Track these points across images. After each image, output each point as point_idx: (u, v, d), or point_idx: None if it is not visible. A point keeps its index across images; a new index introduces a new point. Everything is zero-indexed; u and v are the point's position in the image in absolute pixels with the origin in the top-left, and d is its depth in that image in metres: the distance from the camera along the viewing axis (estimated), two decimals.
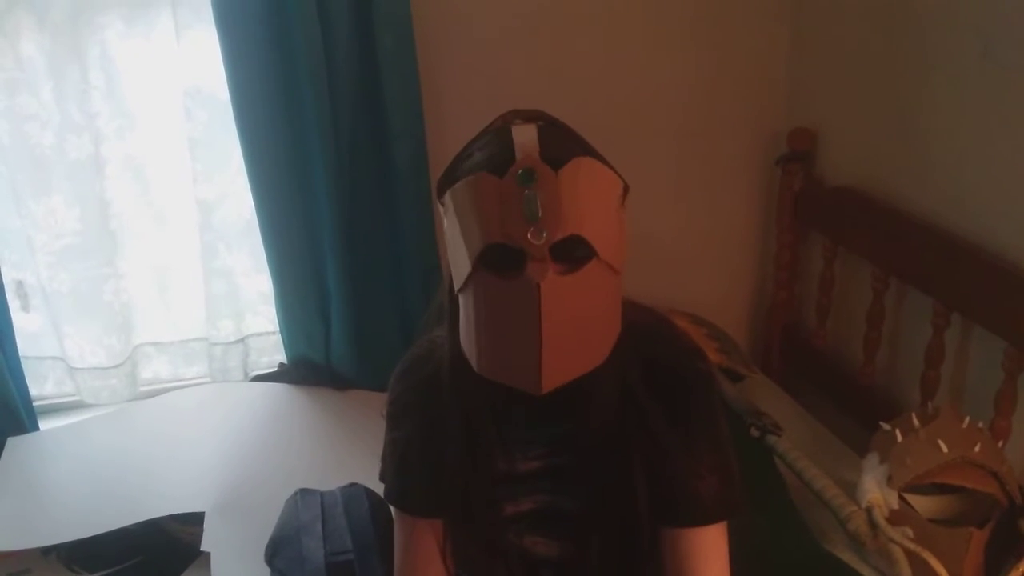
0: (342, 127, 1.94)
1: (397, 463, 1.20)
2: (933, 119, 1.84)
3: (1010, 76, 1.64)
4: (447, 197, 1.01)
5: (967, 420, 1.57)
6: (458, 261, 1.01)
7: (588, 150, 1.02)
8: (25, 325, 2.06)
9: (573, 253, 0.96)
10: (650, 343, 1.12)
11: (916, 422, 1.59)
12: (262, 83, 1.88)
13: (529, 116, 1.04)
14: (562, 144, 1.00)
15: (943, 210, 1.83)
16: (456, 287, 1.03)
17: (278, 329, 2.17)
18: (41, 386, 2.15)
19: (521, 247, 0.93)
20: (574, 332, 0.97)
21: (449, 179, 1.02)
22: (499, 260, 0.96)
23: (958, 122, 1.78)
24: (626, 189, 1.04)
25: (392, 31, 1.89)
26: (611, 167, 1.02)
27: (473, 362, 1.02)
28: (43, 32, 1.85)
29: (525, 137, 0.99)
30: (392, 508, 1.24)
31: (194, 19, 1.89)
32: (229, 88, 1.88)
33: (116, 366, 2.12)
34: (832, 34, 2.13)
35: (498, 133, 1.02)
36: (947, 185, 1.82)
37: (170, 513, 1.76)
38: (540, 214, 0.93)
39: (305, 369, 2.16)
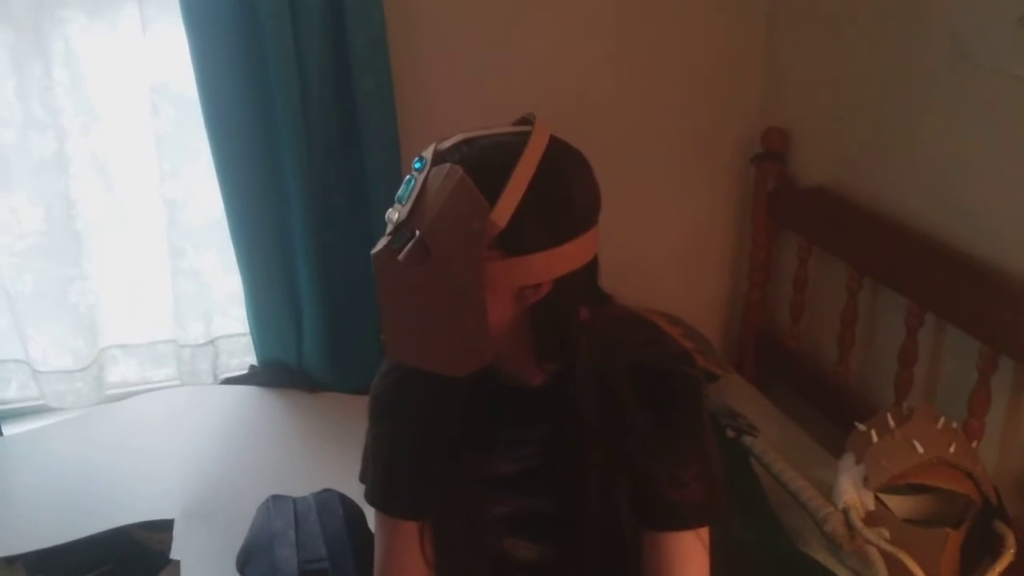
0: (314, 125, 1.91)
1: (378, 464, 1.18)
2: (906, 119, 1.85)
3: (982, 76, 1.65)
4: None
5: (942, 420, 1.58)
6: None
7: (490, 171, 0.97)
8: None
9: (422, 249, 1.00)
10: (637, 348, 1.11)
11: (891, 422, 1.59)
12: (231, 79, 1.85)
13: (520, 122, 1.06)
14: (474, 152, 0.99)
15: (917, 210, 1.84)
16: None
17: (248, 331, 2.14)
18: (4, 390, 2.10)
19: (389, 219, 1.02)
20: (409, 319, 1.04)
21: None
22: None
23: (931, 122, 1.79)
24: (495, 229, 0.96)
25: (364, 27, 1.86)
26: (498, 200, 0.96)
27: None
28: (4, 27, 1.80)
29: (465, 134, 1.02)
30: (373, 510, 1.22)
31: (160, 13, 1.85)
32: (197, 84, 1.85)
33: (82, 369, 2.08)
34: (806, 34, 2.14)
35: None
36: (920, 185, 1.83)
37: (139, 520, 1.72)
38: (406, 199, 1.00)
39: (276, 371, 2.13)
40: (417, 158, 1.01)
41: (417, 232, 0.99)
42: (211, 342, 2.15)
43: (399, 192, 1.01)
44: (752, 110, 2.29)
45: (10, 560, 1.73)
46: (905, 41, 1.82)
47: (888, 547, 1.48)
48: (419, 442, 1.14)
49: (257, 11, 1.80)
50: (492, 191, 0.96)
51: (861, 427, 1.64)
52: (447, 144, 1.01)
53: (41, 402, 2.11)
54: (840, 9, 2.01)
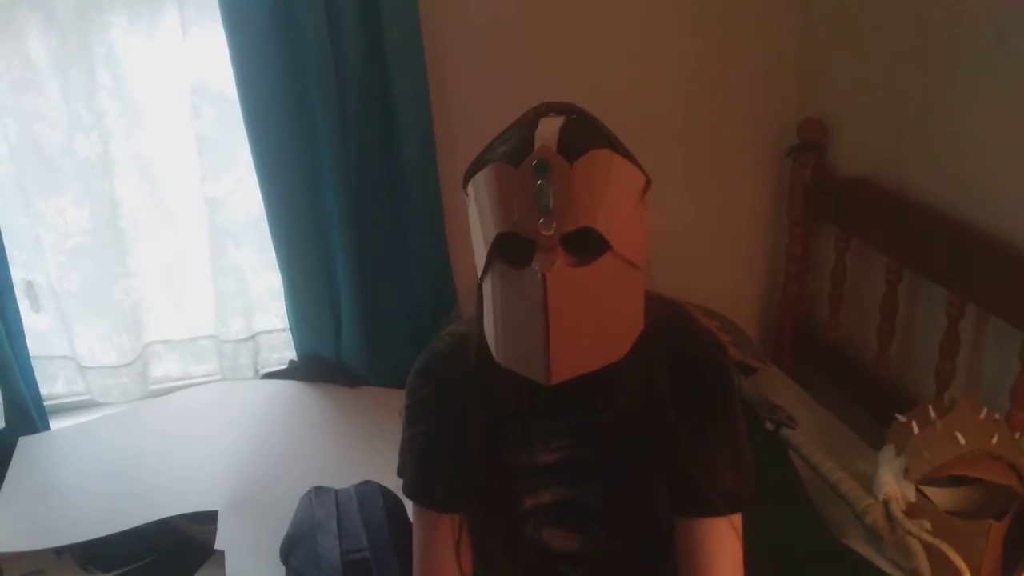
0: (350, 123, 1.93)
1: (418, 457, 1.19)
2: (945, 108, 1.83)
3: (1023, 64, 1.62)
4: (471, 186, 1.03)
5: (984, 412, 1.56)
6: (479, 250, 1.02)
7: (612, 143, 1.02)
8: (35, 325, 2.06)
9: (587, 246, 0.96)
10: (672, 336, 1.11)
11: (933, 414, 1.58)
12: (269, 80, 1.88)
13: (561, 109, 1.05)
14: (583, 137, 1.00)
15: (957, 199, 1.81)
16: (478, 276, 1.04)
17: (288, 326, 2.17)
18: (52, 385, 2.15)
19: (531, 237, 0.94)
20: (587, 325, 0.96)
21: (474, 169, 1.03)
22: (513, 250, 0.97)
23: (971, 110, 1.77)
24: (648, 184, 1.04)
25: (399, 26, 1.88)
26: (634, 161, 1.03)
27: (493, 351, 1.03)
28: (50, 31, 1.84)
29: (548, 129, 0.99)
30: (411, 503, 1.23)
31: (200, 16, 1.88)
32: (236, 85, 1.88)
33: (126, 364, 2.12)
34: (843, 23, 2.12)
35: (526, 125, 1.03)
36: (960, 174, 1.81)
37: (183, 512, 1.75)
38: (552, 205, 0.93)
39: (316, 366, 2.15)
40: (535, 164, 0.93)
41: (592, 228, 0.94)
42: (252, 337, 2.18)
43: (539, 204, 0.93)
44: (789, 101, 2.28)
45: (59, 551, 1.78)
46: (945, 29, 1.80)
47: (930, 539, 1.47)
48: (458, 436, 1.14)
49: (294, 12, 1.83)
50: (627, 156, 1.01)
51: (902, 419, 1.63)
52: (551, 139, 0.96)
53: (87, 397, 2.15)
54: None
